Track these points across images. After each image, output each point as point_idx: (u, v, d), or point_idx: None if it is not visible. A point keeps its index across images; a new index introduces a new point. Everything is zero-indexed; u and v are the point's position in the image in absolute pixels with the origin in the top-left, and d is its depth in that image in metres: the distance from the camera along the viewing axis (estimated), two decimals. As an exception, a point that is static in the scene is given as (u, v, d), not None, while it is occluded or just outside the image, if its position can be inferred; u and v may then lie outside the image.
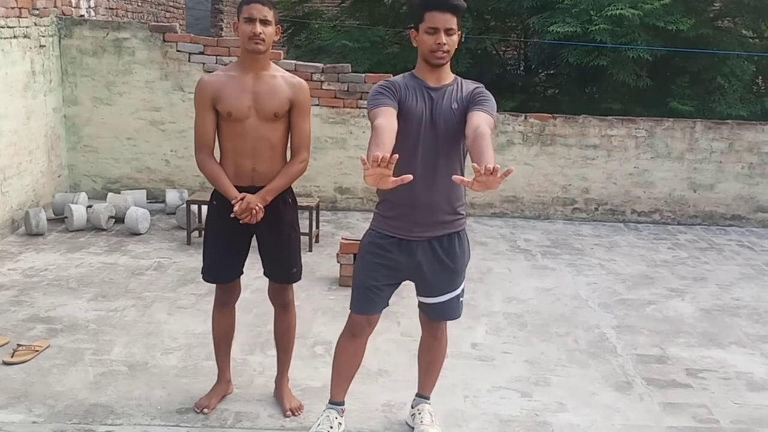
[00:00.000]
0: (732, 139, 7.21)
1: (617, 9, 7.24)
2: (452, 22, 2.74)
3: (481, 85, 2.89)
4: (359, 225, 6.76)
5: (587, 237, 6.76)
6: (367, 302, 3.01)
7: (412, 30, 2.83)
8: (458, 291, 3.05)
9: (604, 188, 7.30)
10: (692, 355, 4.24)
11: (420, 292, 3.08)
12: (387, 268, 2.96)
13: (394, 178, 2.32)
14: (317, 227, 6.15)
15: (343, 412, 3.21)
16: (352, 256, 5.04)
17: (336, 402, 3.21)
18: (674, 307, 5.01)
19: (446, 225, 2.92)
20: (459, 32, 2.80)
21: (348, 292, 4.97)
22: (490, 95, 2.84)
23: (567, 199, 7.33)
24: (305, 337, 4.16)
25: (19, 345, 3.88)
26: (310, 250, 5.84)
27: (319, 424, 3.14)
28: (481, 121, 2.66)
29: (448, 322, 3.18)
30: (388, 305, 3.07)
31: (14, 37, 5.98)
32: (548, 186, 7.28)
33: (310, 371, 3.80)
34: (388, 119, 2.67)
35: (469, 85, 2.88)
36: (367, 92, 6.89)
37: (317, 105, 6.92)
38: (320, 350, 4.06)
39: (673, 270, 5.86)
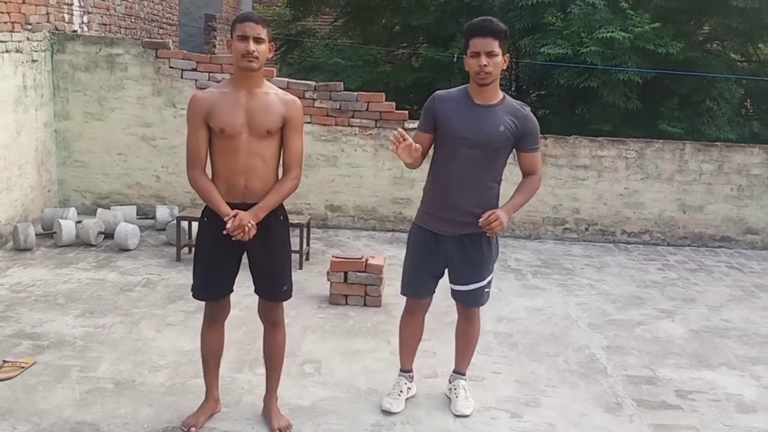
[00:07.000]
0: (721, 161, 7.26)
1: (608, 32, 7.31)
2: (493, 45, 3.15)
3: (529, 109, 3.36)
4: (350, 243, 6.75)
5: (577, 257, 6.77)
6: (415, 285, 3.52)
7: (465, 56, 3.26)
8: (483, 283, 3.47)
9: (594, 209, 7.33)
10: (682, 377, 4.23)
11: (451, 279, 3.50)
12: (426, 256, 3.45)
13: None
14: (308, 245, 6.14)
15: (411, 378, 3.69)
16: (342, 274, 5.03)
17: (405, 370, 3.69)
18: (664, 328, 5.02)
19: (475, 225, 3.29)
20: (505, 55, 3.22)
21: (338, 310, 5.00)
22: (537, 122, 3.37)
23: (557, 219, 7.35)
24: (294, 356, 4.13)
25: (4, 361, 3.84)
26: (301, 268, 5.82)
27: (392, 388, 3.61)
28: (536, 165, 3.49)
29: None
30: (434, 292, 3.55)
31: (6, 51, 5.97)
32: (539, 206, 7.29)
33: (299, 390, 3.77)
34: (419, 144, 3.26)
35: (519, 110, 3.32)
36: (359, 110, 7.04)
37: (309, 123, 6.93)
38: (309, 369, 4.03)
39: (662, 291, 5.87)
